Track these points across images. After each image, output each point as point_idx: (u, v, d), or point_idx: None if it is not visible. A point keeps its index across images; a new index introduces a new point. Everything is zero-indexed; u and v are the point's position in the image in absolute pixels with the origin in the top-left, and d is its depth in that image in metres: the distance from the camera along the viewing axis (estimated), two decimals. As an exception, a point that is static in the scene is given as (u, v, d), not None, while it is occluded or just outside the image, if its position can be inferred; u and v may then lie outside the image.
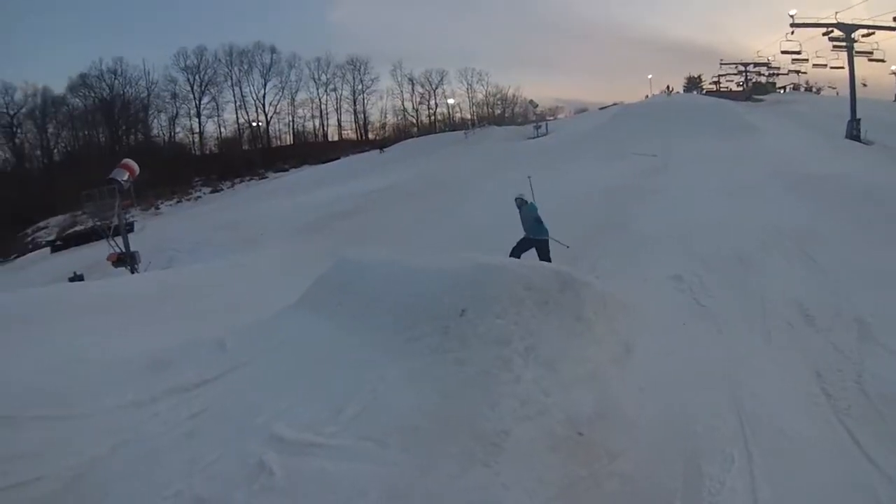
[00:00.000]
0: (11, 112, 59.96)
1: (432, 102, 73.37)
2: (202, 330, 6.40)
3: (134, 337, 6.75)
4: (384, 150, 51.19)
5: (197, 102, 66.24)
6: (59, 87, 62.99)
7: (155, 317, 7.91)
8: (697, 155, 18.41)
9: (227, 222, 25.87)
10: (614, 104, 54.53)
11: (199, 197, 56.69)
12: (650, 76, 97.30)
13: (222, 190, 58.98)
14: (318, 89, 72.63)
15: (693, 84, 62.94)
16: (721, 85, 57.32)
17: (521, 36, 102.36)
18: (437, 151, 38.51)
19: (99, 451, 4.32)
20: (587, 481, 3.67)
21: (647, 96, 57.10)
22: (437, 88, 72.20)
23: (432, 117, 73.13)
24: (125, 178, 21.92)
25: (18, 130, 61.48)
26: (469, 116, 69.34)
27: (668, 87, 61.52)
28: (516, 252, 8.55)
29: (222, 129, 68.97)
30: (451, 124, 67.00)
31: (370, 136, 72.50)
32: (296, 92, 71.72)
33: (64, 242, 44.99)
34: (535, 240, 8.74)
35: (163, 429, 4.39)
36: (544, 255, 8.51)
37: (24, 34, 74.27)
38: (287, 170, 61.35)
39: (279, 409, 4.03)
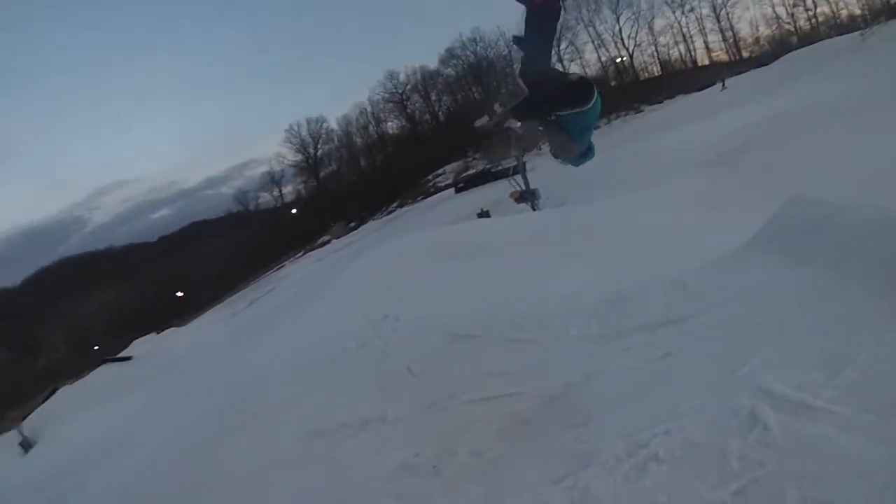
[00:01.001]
0: (400, 90, 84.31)
1: (809, 1, 60.74)
2: (641, 268, 6.44)
3: (569, 271, 7.13)
4: (725, 85, 44.56)
5: (557, 49, 70.17)
6: (432, 63, 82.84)
7: (574, 253, 8.26)
8: None
9: (612, 160, 26.02)
10: None
11: None
12: None
13: (599, 127, 60.25)
14: (674, 13, 70.62)
15: None
16: None
17: None
18: (823, 65, 31.40)
19: (573, 377, 4.79)
20: None
21: None
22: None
23: (812, 20, 61.32)
24: (518, 124, 23.68)
25: (408, 103, 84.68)
26: (860, 11, 54.49)
27: None
28: None
29: (586, 70, 71.47)
30: (837, 26, 54.92)
31: (744, 53, 66.40)
32: (651, 20, 71.10)
33: (465, 184, 52.18)
34: None
35: (635, 364, 4.61)
36: None
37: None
38: (661, 101, 59.30)
39: (765, 360, 3.83)
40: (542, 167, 35.16)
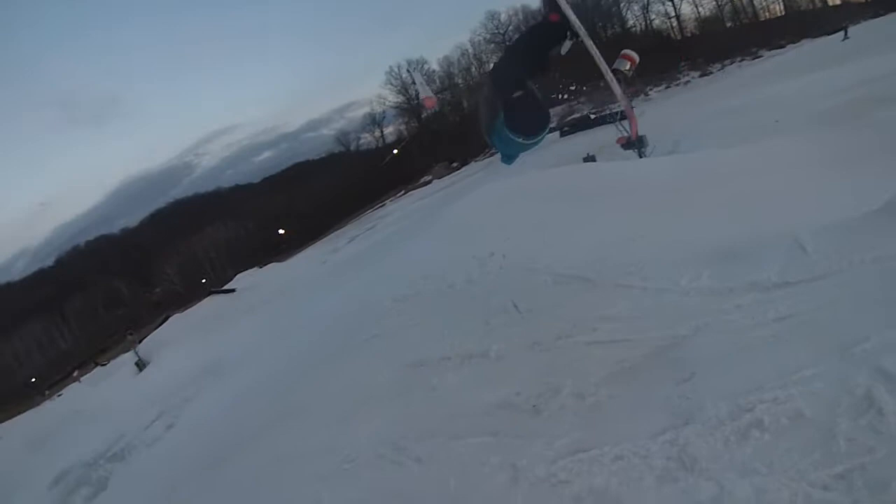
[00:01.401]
0: (501, 31, 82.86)
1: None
2: (756, 224, 6.11)
3: (678, 220, 6.88)
4: (847, 34, 40.13)
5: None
6: (534, 2, 78.78)
7: (684, 202, 7.93)
8: None
9: (726, 108, 24.53)
10: None
11: (688, 82, 56.26)
12: None
13: (711, 73, 57.02)
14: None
15: None
16: None
17: None
18: None
19: (681, 330, 4.73)
20: None
21: None
22: None
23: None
24: (626, 67, 22.74)
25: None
26: None
27: None
28: None
29: (700, 10, 66.41)
30: None
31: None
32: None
33: (569, 128, 51.00)
34: None
35: (746, 323, 4.48)
36: None
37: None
38: (783, 46, 54.60)
39: (886, 340, 3.58)
40: (651, 113, 33.80)
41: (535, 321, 6.03)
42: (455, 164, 70.74)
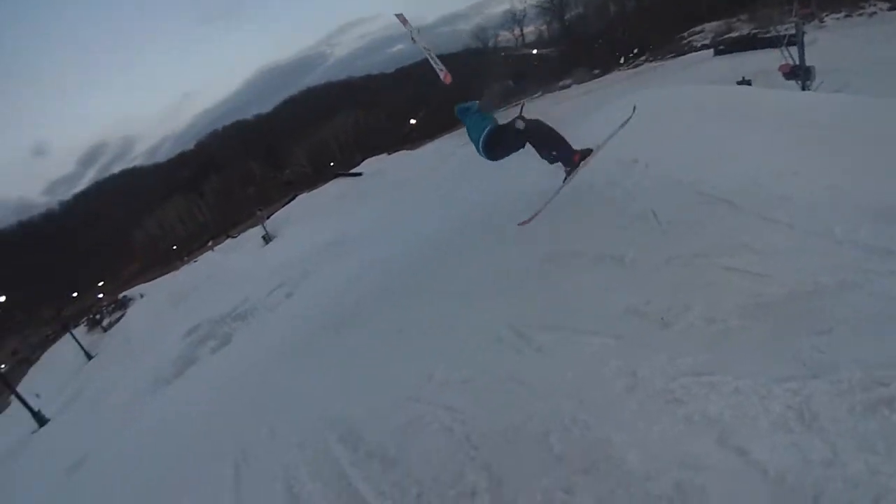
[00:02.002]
0: None
1: None
2: None
3: (838, 165, 6.10)
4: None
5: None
6: None
7: (846, 147, 6.95)
8: None
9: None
10: None
11: (874, 13, 48.77)
12: None
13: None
14: None
15: None
16: None
17: None
18: None
19: (826, 280, 4.26)
20: None
21: None
22: None
23: None
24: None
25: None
26: None
27: None
28: None
29: None
30: None
31: None
32: None
33: (725, 48, 46.82)
34: None
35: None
36: None
37: None
38: None
39: None
40: (825, 41, 30.22)
41: (674, 235, 5.67)
42: (596, 72, 67.27)
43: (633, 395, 3.78)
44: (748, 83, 21.44)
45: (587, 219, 6.79)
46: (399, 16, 9.01)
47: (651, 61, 60.65)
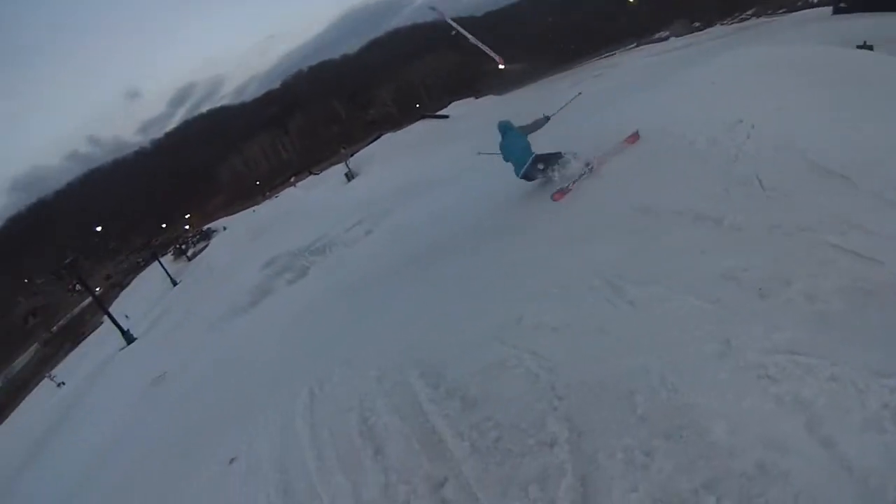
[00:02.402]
0: None
1: None
2: None
3: None
4: None
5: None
6: None
7: None
8: None
9: None
10: None
11: None
12: None
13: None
14: None
15: None
16: None
17: None
18: None
19: None
20: None
21: None
22: None
23: None
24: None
25: None
26: None
27: None
28: None
29: None
30: None
31: None
32: None
33: (848, 5, 42.96)
34: None
35: None
36: None
37: None
38: None
39: None
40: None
41: (780, 203, 5.33)
42: (697, 25, 63.49)
43: (725, 364, 3.57)
44: (869, 48, 19.52)
45: (687, 177, 6.46)
46: (434, 9, 9.25)
47: (758, 16, 56.72)
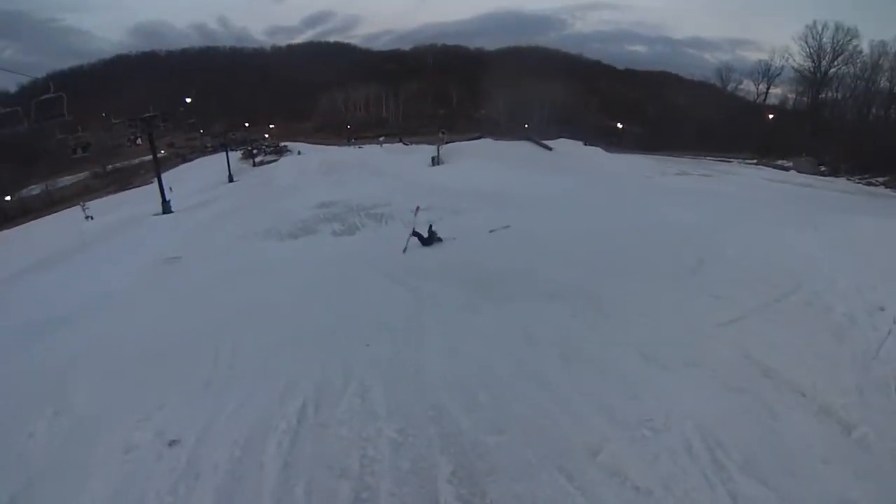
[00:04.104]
0: None
1: None
2: None
3: None
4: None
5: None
6: None
7: None
8: None
9: None
10: None
11: None
12: None
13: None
14: None
15: None
16: None
17: None
18: None
19: None
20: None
21: None
22: None
23: None
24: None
25: None
26: None
27: None
28: None
29: None
30: None
31: None
32: None
33: None
34: None
35: None
36: None
37: None
38: None
39: None
40: None
41: None
42: (824, 169, 57.42)
43: None
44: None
45: (814, 348, 5.20)
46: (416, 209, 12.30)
47: (889, 187, 51.19)
